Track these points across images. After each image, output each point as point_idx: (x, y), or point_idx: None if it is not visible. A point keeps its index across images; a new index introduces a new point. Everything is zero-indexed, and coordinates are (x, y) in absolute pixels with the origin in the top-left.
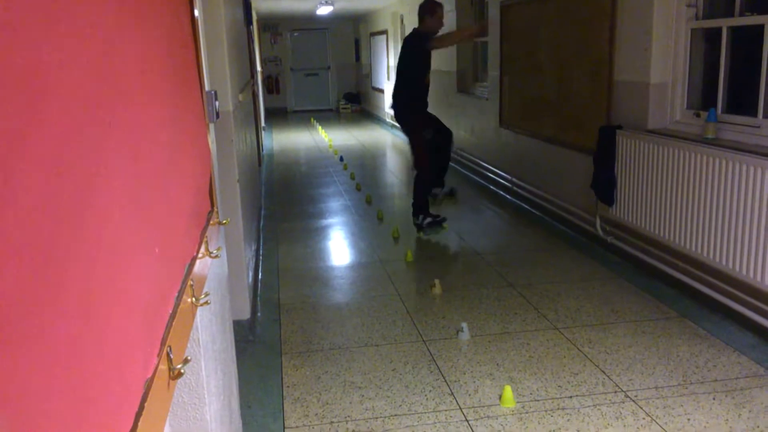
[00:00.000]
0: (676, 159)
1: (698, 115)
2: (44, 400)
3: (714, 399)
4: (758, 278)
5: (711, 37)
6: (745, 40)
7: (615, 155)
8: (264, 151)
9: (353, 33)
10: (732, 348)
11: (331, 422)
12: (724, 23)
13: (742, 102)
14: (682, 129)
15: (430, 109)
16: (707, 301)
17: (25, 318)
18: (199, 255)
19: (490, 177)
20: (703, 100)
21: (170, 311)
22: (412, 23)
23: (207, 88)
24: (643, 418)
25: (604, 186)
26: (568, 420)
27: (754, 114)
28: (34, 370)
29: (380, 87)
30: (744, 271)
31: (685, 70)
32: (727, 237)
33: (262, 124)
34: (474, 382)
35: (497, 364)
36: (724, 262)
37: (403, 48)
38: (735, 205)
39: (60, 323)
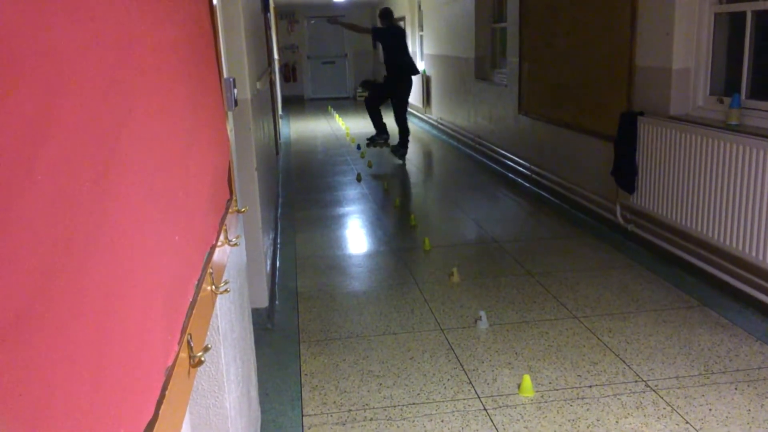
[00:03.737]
0: (698, 146)
1: (721, 101)
2: (66, 388)
3: (736, 389)
4: None
5: (735, 21)
6: None
7: (636, 142)
8: (281, 139)
9: (370, 20)
10: (754, 337)
11: (349, 410)
12: (749, 7)
13: (767, 88)
14: (705, 115)
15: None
16: (729, 290)
17: (46, 308)
18: (219, 243)
19: (509, 165)
20: (727, 85)
21: (190, 299)
22: (430, 9)
23: (225, 75)
24: (664, 408)
25: (625, 173)
26: (588, 409)
27: None
28: (56, 358)
29: None
30: None
31: (708, 55)
32: (751, 225)
33: (280, 112)
34: (492, 371)
35: (516, 353)
36: (747, 251)
37: (402, 36)
38: (759, 192)
39: (81, 312)
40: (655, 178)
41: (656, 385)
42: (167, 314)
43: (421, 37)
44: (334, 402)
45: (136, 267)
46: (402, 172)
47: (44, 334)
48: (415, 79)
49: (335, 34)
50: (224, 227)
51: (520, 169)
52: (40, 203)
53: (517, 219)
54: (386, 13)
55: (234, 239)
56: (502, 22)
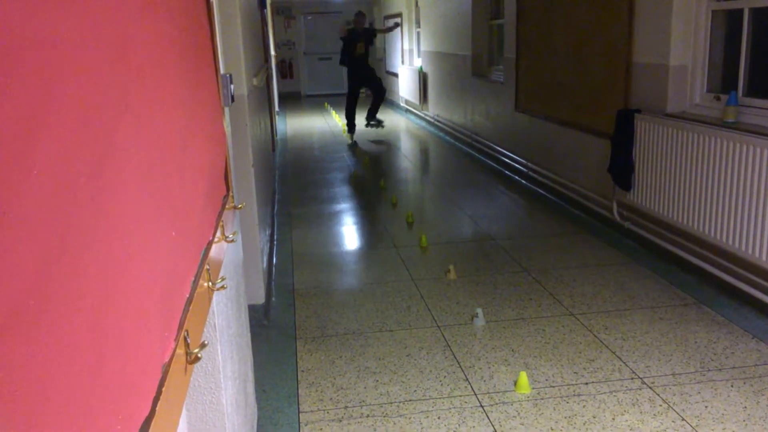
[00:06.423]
0: (695, 143)
1: (718, 99)
2: (63, 385)
3: (732, 386)
4: None
5: (732, 18)
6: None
7: (633, 139)
8: (278, 136)
9: (367, 16)
10: (750, 335)
11: (346, 407)
12: (746, 4)
13: (764, 85)
14: (702, 112)
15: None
16: (725, 287)
17: (42, 304)
18: (215, 239)
19: (505, 162)
20: (724, 83)
21: (187, 296)
22: (427, 6)
23: (222, 71)
24: (660, 405)
25: (622, 170)
26: (584, 407)
27: None
28: (52, 355)
29: (394, 71)
30: (764, 257)
31: (705, 53)
32: (747, 222)
33: (276, 108)
34: (489, 367)
35: (512, 350)
36: (743, 248)
37: (359, 37)
38: (755, 190)
39: (77, 309)
40: (652, 175)
41: (652, 382)
42: (164, 311)
43: (418, 33)
44: (331, 398)
45: (132, 263)
46: (399, 168)
47: (40, 330)
48: (412, 76)
49: (332, 30)
50: (221, 223)
51: (517, 166)
52: (37, 198)
53: (514, 216)
54: (355, 15)
55: (231, 235)
56: (499, 18)
